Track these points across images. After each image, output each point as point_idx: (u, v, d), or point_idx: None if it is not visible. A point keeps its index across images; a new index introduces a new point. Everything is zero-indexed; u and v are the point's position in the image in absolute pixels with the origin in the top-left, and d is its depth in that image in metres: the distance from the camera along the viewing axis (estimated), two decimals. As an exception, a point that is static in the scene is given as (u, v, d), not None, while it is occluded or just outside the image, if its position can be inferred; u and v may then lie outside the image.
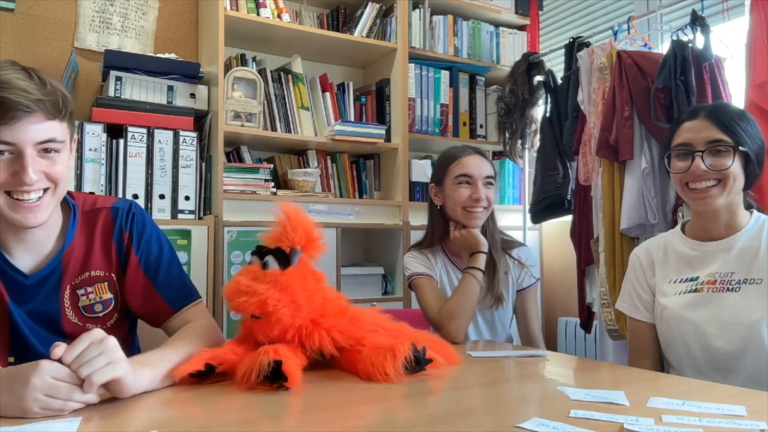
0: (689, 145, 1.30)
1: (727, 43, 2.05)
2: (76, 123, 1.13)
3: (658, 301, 1.37)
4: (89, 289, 1.15)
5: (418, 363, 1.09)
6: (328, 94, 2.64)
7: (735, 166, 1.27)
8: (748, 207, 1.37)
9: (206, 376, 1.01)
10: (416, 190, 2.75)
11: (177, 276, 1.22)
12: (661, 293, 1.37)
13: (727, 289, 1.29)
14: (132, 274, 1.18)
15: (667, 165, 1.38)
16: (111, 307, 1.17)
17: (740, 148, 1.27)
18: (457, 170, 1.69)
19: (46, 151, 1.02)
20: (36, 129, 0.99)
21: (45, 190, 1.04)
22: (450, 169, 1.71)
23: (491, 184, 1.71)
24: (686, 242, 1.37)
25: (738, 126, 1.28)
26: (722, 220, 1.32)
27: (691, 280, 1.33)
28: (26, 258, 1.11)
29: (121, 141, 2.12)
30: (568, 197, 2.52)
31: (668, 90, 2.00)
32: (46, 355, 0.85)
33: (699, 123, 1.31)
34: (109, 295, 1.17)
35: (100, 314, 1.16)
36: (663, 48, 2.31)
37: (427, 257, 1.72)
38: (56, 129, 1.03)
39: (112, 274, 1.18)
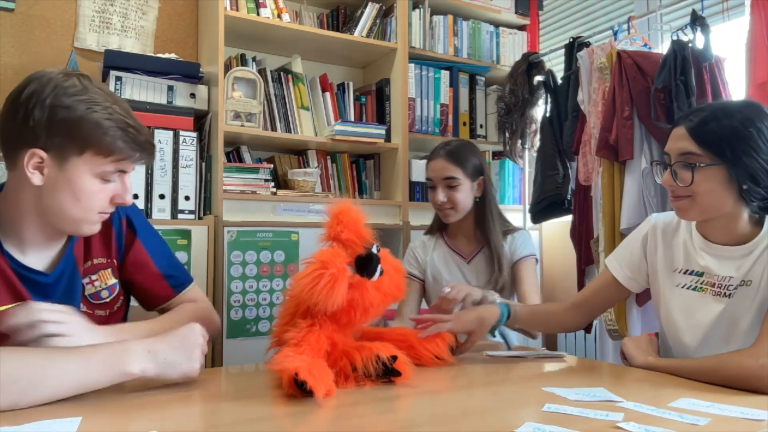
0: (668, 156, 1.22)
1: (725, 43, 2.05)
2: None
3: (662, 289, 1.31)
4: (94, 277, 1.18)
5: (453, 351, 1.27)
6: (328, 94, 2.64)
7: (706, 184, 1.14)
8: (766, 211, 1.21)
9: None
10: (416, 190, 2.75)
11: (175, 259, 1.30)
12: (664, 279, 1.31)
13: (724, 294, 1.21)
14: (136, 252, 1.23)
15: (654, 173, 1.32)
16: (116, 292, 1.21)
17: (701, 164, 1.14)
18: (426, 174, 1.87)
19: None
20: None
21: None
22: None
23: (452, 186, 1.79)
24: (697, 237, 1.27)
25: (718, 137, 1.13)
26: (719, 230, 1.22)
27: (698, 274, 1.25)
28: (41, 257, 1.12)
29: (121, 141, 2.12)
30: (568, 197, 2.53)
31: (668, 90, 2.00)
32: None
33: (678, 131, 1.20)
34: (113, 280, 1.21)
35: (107, 299, 1.20)
36: (663, 48, 2.31)
37: (425, 246, 1.91)
38: None
39: (113, 260, 1.21)
